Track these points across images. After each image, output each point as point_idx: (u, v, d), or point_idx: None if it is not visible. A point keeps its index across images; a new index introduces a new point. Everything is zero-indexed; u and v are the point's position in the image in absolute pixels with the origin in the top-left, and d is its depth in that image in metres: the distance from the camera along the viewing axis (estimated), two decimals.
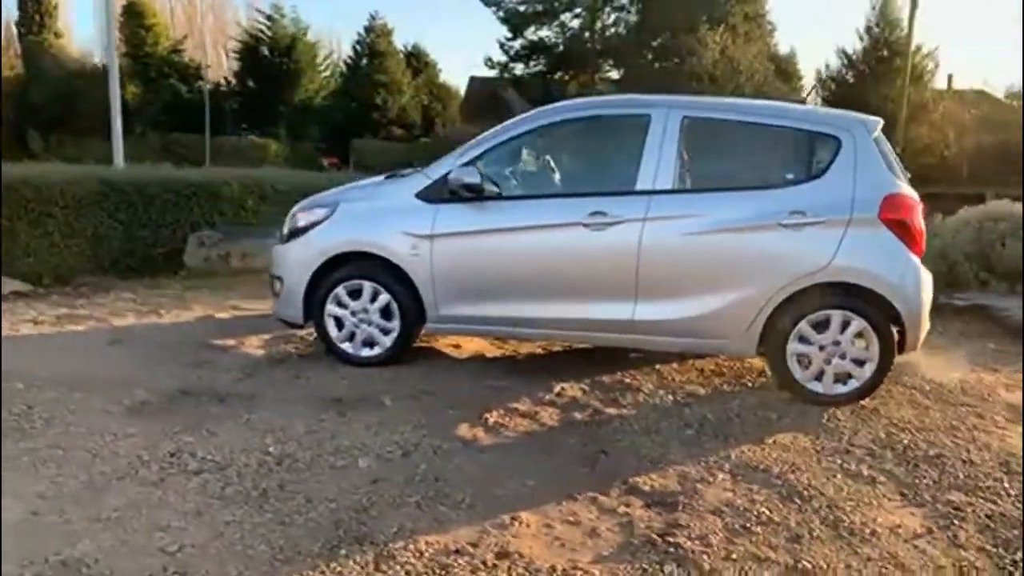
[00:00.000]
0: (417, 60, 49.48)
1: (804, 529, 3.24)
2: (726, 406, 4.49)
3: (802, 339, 4.44)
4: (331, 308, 4.86)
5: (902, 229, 4.31)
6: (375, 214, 4.78)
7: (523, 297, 4.64)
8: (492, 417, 4.21)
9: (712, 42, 26.09)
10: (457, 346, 5.38)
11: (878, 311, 4.33)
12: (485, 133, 4.91)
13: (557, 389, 4.63)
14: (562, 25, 30.72)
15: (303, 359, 5.12)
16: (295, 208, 5.14)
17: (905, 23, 25.88)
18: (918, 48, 25.34)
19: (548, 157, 4.89)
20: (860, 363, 4.41)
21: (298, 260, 4.88)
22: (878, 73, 25.37)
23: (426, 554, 2.97)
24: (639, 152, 4.51)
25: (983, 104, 26.88)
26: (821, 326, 4.42)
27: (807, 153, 4.49)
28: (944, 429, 4.32)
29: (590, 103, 4.99)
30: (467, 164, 4.65)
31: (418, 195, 4.71)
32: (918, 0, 22.67)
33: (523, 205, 4.66)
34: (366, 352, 4.89)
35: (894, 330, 4.39)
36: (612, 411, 4.38)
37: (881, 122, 4.49)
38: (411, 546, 3.00)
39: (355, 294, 4.83)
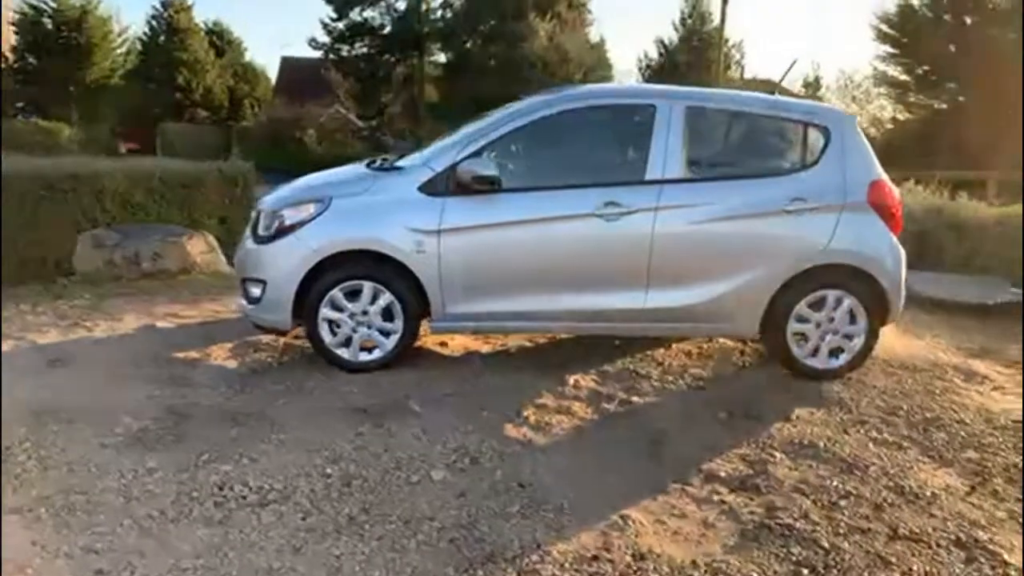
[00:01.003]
0: (220, 38, 46.77)
1: (879, 498, 3.47)
2: (735, 387, 4.68)
3: (800, 319, 4.69)
4: (325, 312, 4.50)
5: (885, 212, 4.67)
6: (375, 209, 4.47)
7: (537, 290, 4.55)
8: (530, 415, 4.11)
9: (541, 29, 26.71)
10: (444, 344, 5.17)
11: (866, 288, 4.67)
12: (484, 122, 4.74)
13: (572, 382, 4.60)
14: (388, 6, 30.15)
15: (286, 368, 4.71)
16: (272, 205, 4.69)
17: (713, 16, 28.05)
18: (726, 40, 27.39)
19: (554, 147, 4.79)
20: (850, 338, 4.74)
21: (287, 261, 4.46)
22: (693, 62, 27.15)
23: (566, 564, 2.87)
24: (647, 142, 4.54)
25: (782, 94, 29.47)
26: (815, 305, 4.70)
27: (802, 142, 4.73)
28: (924, 393, 4.75)
29: (594, 92, 4.96)
30: (474, 155, 4.47)
31: (421, 188, 4.46)
32: None
33: (534, 197, 4.54)
34: (364, 357, 4.58)
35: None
36: (637, 400, 4.42)
37: (858, 115, 4.82)
38: (546, 558, 2.90)
39: (352, 295, 4.51)
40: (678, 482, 3.52)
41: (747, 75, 30.63)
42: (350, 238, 4.45)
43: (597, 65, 29.36)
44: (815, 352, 4.75)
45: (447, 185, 4.45)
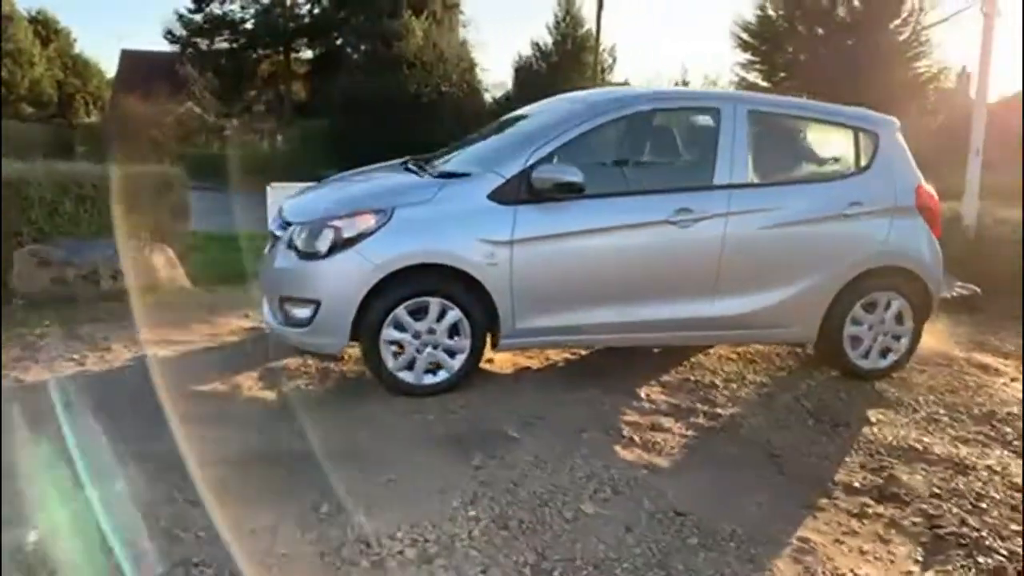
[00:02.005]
0: (44, 27, 42.94)
1: (1010, 498, 3.51)
2: (798, 391, 4.65)
3: (855, 321, 4.74)
4: (389, 332, 4.08)
5: (930, 215, 4.80)
6: (443, 220, 4.08)
7: (609, 302, 4.33)
8: (634, 435, 3.89)
9: (418, 28, 26.21)
10: (490, 360, 4.82)
11: (913, 289, 4.78)
12: (540, 123, 4.47)
13: (644, 395, 4.42)
14: None
15: (337, 396, 4.25)
16: (314, 215, 4.18)
17: (585, 20, 28.66)
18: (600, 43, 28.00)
19: (621, 151, 4.56)
20: (898, 338, 4.84)
21: (347, 278, 3.99)
22: (568, 65, 27.51)
23: None
24: (714, 146, 4.43)
25: None
26: (868, 308, 4.76)
27: (855, 147, 4.76)
28: (962, 389, 4.92)
29: (658, 95, 4.76)
30: (544, 160, 4.18)
31: (491, 196, 4.13)
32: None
33: (608, 203, 4.29)
34: (429, 379, 4.19)
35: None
36: (721, 411, 4.29)
37: (898, 121, 4.93)
38: None
39: (415, 313, 4.12)
40: (823, 496, 3.43)
41: (619, 79, 31.39)
42: (418, 251, 4.04)
43: (470, 66, 29.18)
44: (867, 354, 4.81)
45: (518, 192, 4.14)
